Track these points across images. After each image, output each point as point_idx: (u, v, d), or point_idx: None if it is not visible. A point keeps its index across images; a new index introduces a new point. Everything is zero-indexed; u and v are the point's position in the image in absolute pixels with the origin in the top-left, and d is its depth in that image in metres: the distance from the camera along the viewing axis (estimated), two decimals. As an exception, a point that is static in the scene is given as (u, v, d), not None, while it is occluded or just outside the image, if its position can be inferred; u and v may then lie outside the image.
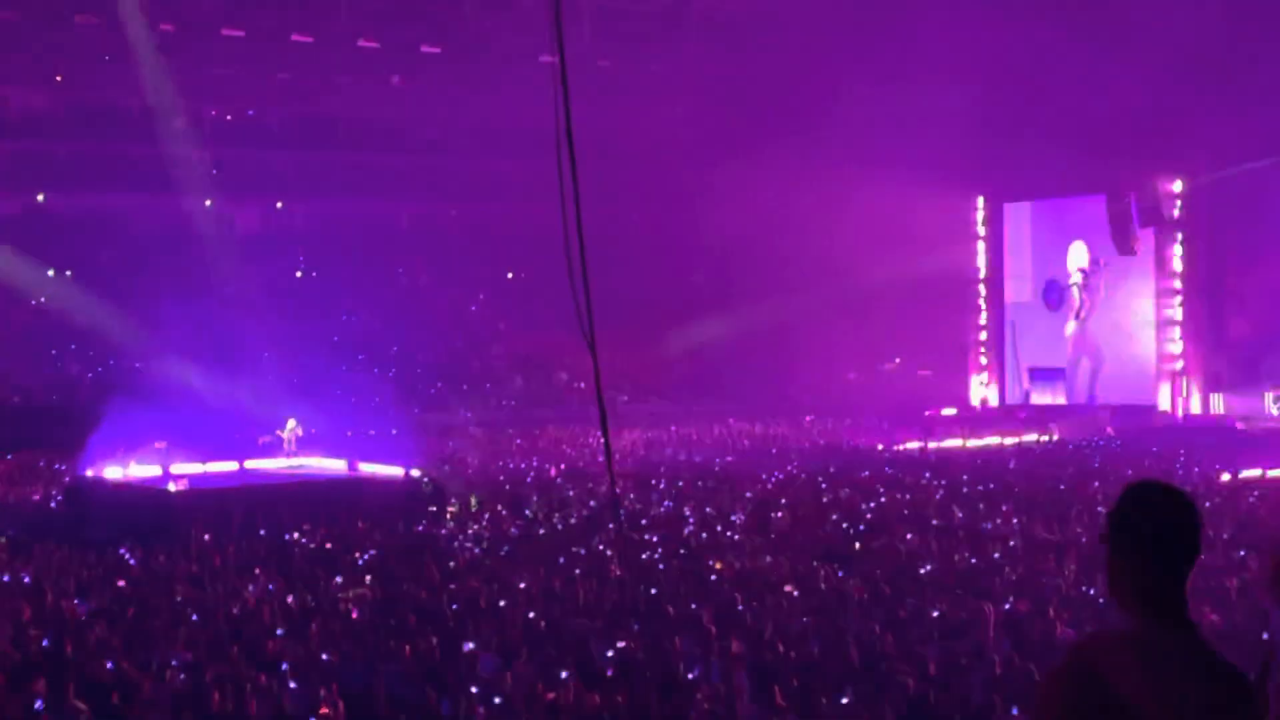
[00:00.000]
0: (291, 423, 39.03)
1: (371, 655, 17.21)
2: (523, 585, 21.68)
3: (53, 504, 35.90)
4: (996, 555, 23.86)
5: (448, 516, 31.78)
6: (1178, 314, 56.04)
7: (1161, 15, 46.69)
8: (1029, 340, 61.52)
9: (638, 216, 64.94)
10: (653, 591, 20.83)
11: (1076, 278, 59.40)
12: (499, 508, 32.27)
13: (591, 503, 32.26)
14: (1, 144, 62.47)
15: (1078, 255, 59.20)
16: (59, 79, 63.78)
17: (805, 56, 56.76)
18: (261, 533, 28.81)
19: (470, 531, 29.14)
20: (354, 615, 20.03)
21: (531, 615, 19.36)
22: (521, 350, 63.41)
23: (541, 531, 28.56)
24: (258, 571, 23.84)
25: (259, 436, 39.76)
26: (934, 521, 28.50)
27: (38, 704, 14.96)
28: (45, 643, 18.16)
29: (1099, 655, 4.23)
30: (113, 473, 36.12)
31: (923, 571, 22.56)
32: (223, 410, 41.55)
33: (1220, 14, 46.56)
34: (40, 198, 65.54)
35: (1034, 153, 54.17)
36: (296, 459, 38.87)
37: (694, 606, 19.42)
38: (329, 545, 27.13)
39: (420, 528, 29.90)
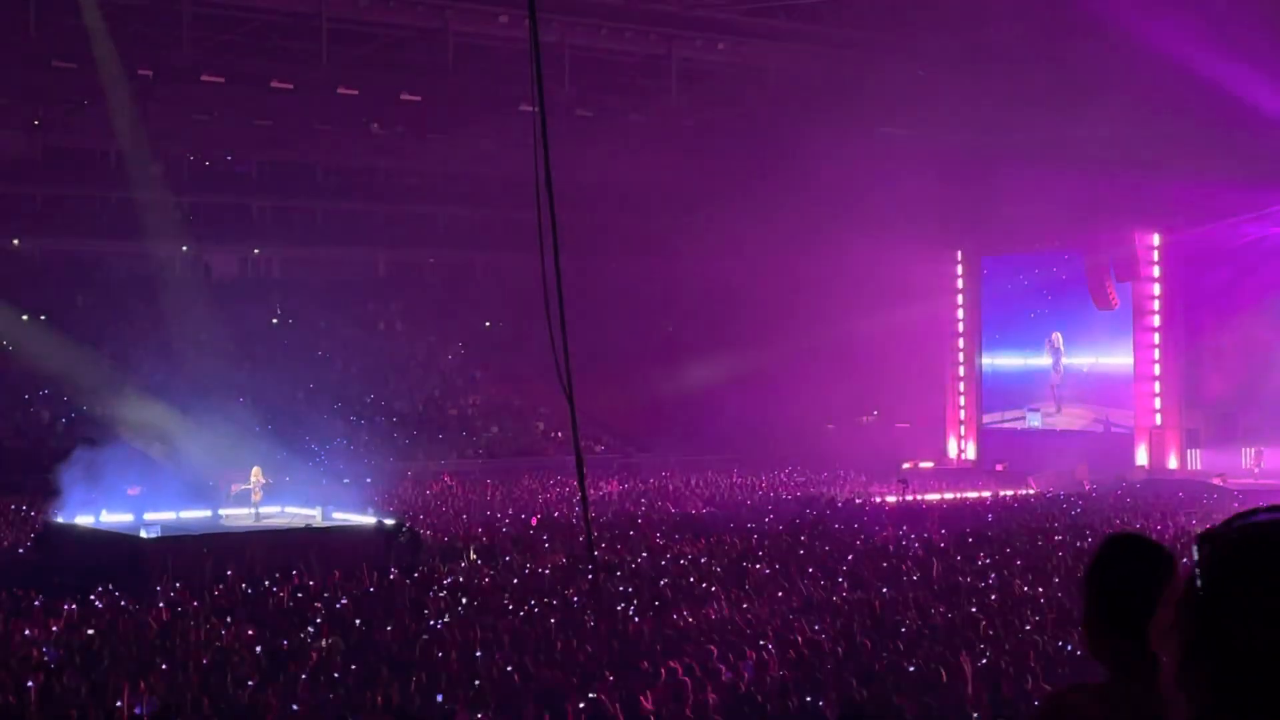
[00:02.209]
0: (257, 471, 38.48)
1: (342, 706, 17.01)
2: (496, 636, 21.48)
3: (20, 550, 35.58)
4: (974, 609, 23.74)
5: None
6: (1154, 370, 56.12)
7: (1137, 70, 46.94)
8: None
9: (616, 265, 64.98)
10: (627, 643, 20.65)
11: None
12: (474, 557, 32.10)
13: (566, 555, 32.06)
14: (-22, 187, 62.40)
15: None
16: (36, 123, 63.67)
17: (785, 107, 56.90)
18: (231, 579, 28.56)
19: (445, 582, 28.92)
20: (325, 666, 19.81)
21: (509, 668, 19.17)
22: (498, 399, 63.25)
23: (516, 582, 28.36)
24: (229, 620, 23.61)
25: (232, 484, 39.43)
26: (913, 576, 28.37)
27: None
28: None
29: (1073, 708, 4.17)
30: (84, 519, 35.82)
31: (900, 625, 22.41)
32: (194, 458, 41.17)
33: (1196, 70, 46.79)
34: (16, 241, 65.33)
35: (1012, 207, 54.36)
36: (265, 508, 38.49)
37: (668, 659, 19.24)
38: (300, 594, 26.89)
39: (392, 576, 29.66)
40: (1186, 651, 1.91)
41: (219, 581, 28.43)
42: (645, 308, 65.74)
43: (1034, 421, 61.01)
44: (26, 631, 22.73)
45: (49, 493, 37.08)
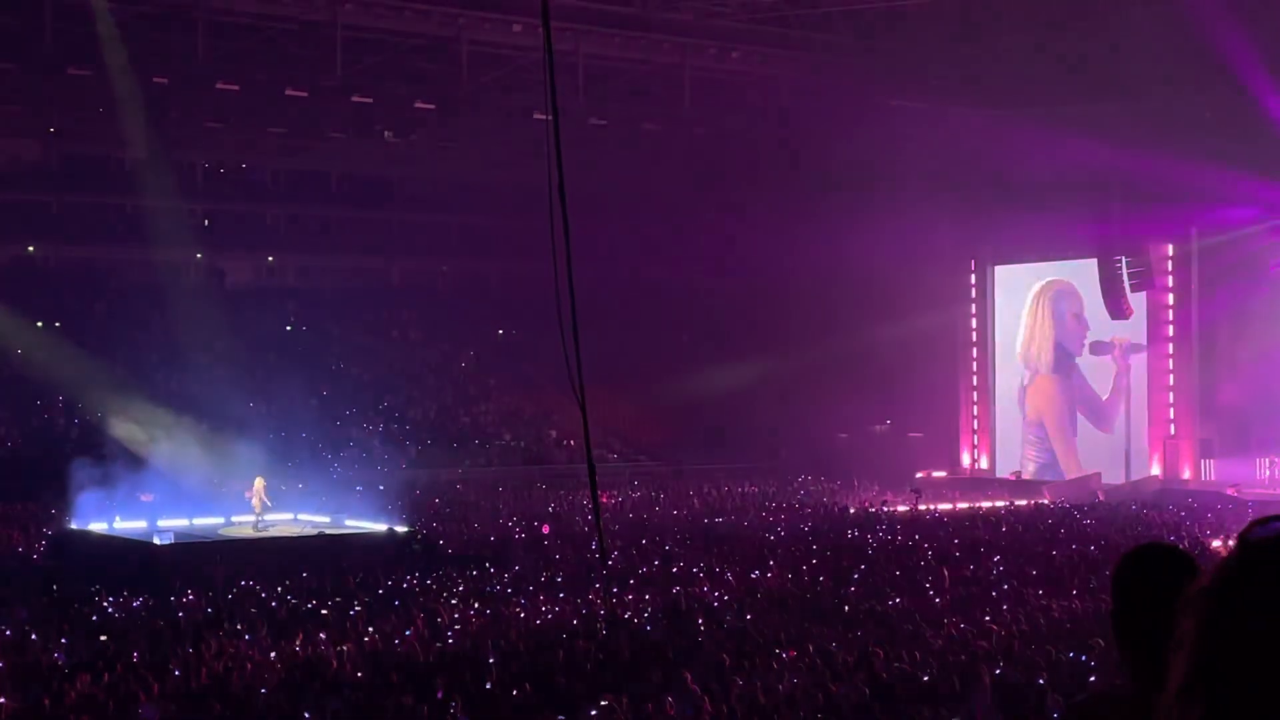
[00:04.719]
0: (259, 482, 38.25)
1: (355, 714, 17.00)
2: (508, 644, 21.47)
3: (35, 556, 35.62)
4: (987, 619, 23.69)
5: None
6: (1169, 379, 55.93)
7: (1154, 78, 46.87)
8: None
9: (630, 274, 64.95)
10: (640, 652, 20.63)
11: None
12: (486, 565, 32.08)
13: (578, 563, 32.03)
14: (-7, 194, 62.53)
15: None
16: (51, 130, 63.83)
17: (798, 116, 56.88)
18: (245, 585, 28.57)
19: (458, 589, 28.92)
20: (338, 673, 19.81)
21: (521, 674, 19.16)
22: (511, 406, 63.25)
23: (528, 589, 28.34)
24: (240, 627, 23.61)
25: (246, 491, 39.43)
26: (926, 585, 28.32)
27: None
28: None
29: (1100, 715, 4.14)
30: (97, 526, 35.87)
31: (913, 634, 22.37)
32: (205, 465, 41.16)
33: (1213, 77, 46.73)
34: (30, 249, 65.48)
35: (1026, 216, 54.25)
36: (276, 515, 38.43)
37: (681, 668, 19.21)
38: (313, 602, 26.89)
39: (405, 585, 29.66)
40: (1189, 659, 1.84)
41: (232, 588, 28.45)
42: (659, 316, 65.65)
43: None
44: (39, 637, 22.74)
45: (62, 500, 37.13)
